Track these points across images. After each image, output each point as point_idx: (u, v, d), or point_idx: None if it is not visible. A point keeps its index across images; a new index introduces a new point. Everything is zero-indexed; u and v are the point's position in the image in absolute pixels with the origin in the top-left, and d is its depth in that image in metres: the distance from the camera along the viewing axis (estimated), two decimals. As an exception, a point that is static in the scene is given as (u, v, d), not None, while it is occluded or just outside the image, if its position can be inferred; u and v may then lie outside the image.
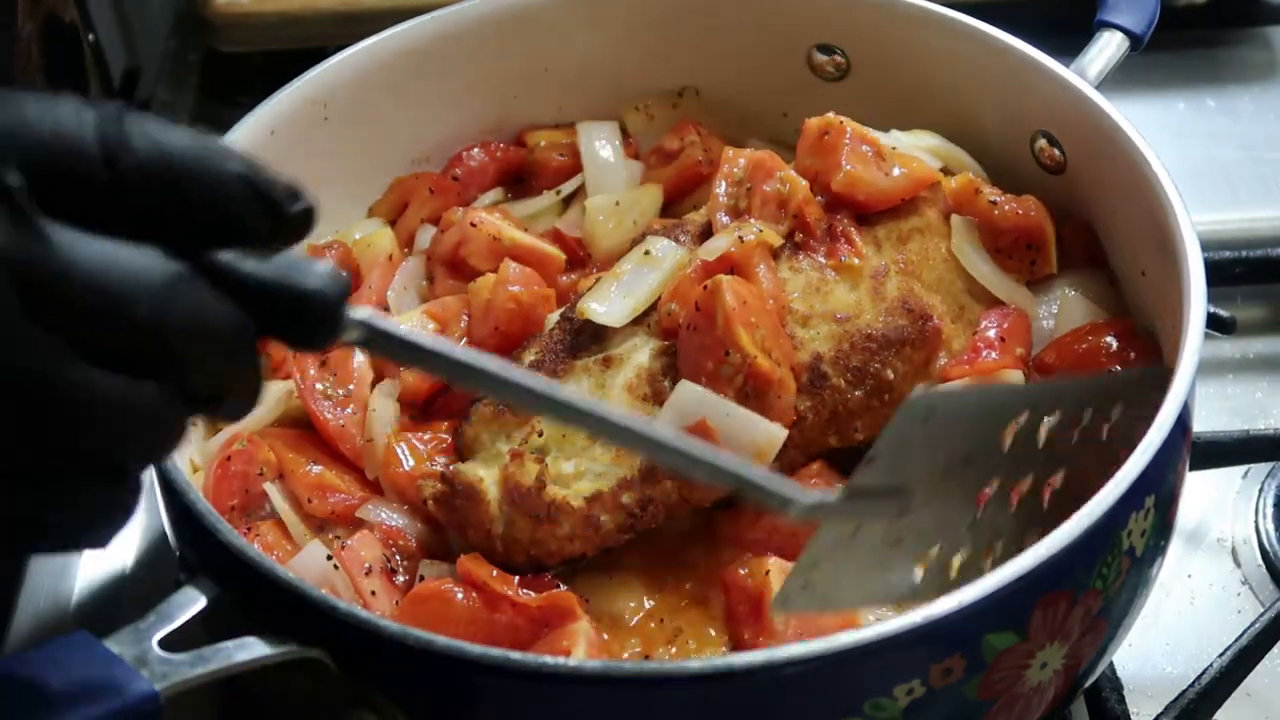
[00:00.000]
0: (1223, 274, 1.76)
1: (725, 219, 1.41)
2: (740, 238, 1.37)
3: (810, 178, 1.44)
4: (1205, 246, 1.34)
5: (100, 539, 0.92)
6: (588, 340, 1.38)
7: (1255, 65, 2.15)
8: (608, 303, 1.37)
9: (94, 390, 0.85)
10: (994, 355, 1.39)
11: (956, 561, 1.22)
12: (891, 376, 1.36)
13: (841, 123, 1.46)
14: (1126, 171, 1.42)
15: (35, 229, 0.82)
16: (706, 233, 1.42)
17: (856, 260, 1.38)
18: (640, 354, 1.36)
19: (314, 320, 0.91)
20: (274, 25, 2.09)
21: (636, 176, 1.67)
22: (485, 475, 1.32)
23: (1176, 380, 1.23)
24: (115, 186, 0.86)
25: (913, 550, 1.19)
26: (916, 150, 1.53)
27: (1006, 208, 1.47)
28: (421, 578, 1.33)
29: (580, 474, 1.31)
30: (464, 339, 1.47)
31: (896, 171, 1.44)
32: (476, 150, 1.71)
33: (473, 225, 1.54)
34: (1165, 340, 1.39)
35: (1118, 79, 1.56)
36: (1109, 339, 1.42)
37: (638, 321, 1.37)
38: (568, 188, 1.67)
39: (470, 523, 1.32)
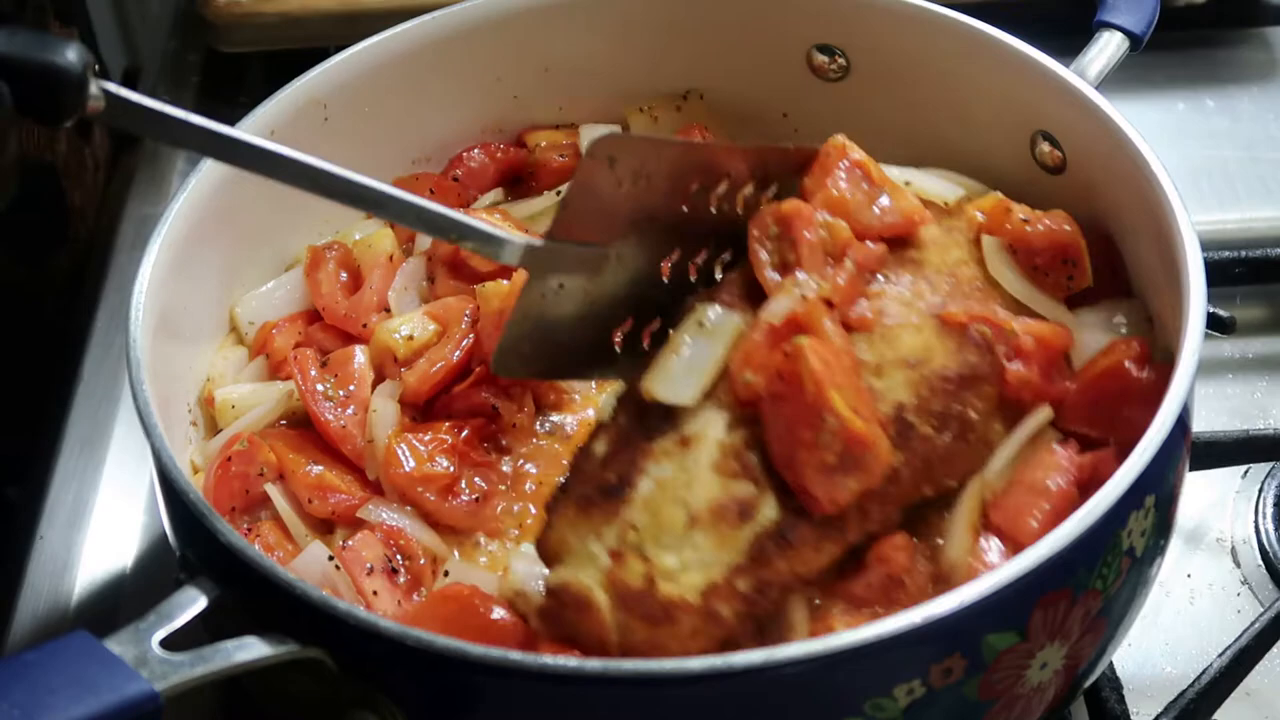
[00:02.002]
0: (1223, 274, 1.76)
1: (775, 276, 1.34)
2: (802, 296, 1.30)
3: (807, 197, 1.41)
4: (1205, 246, 1.34)
5: None
6: (657, 421, 1.29)
7: (1255, 65, 2.15)
8: (674, 382, 1.30)
9: None
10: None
11: (647, 333, 1.40)
12: (974, 416, 1.31)
13: (844, 146, 1.43)
14: (1126, 171, 1.42)
15: None
16: (750, 289, 1.36)
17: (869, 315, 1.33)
18: (715, 428, 1.27)
19: (60, 90, 1.01)
20: (274, 25, 2.09)
21: None
22: (589, 581, 1.23)
23: (1176, 380, 1.23)
24: None
25: (611, 318, 1.38)
26: (931, 187, 1.49)
27: (1040, 225, 1.43)
28: (446, 573, 1.34)
29: (686, 565, 1.22)
30: (465, 340, 1.47)
31: (885, 202, 1.40)
32: (477, 151, 1.71)
33: None
34: (1165, 340, 1.39)
35: (1118, 79, 1.56)
36: (1128, 363, 1.37)
37: (705, 394, 1.30)
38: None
39: (581, 634, 1.23)
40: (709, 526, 1.23)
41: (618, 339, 1.40)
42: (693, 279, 1.41)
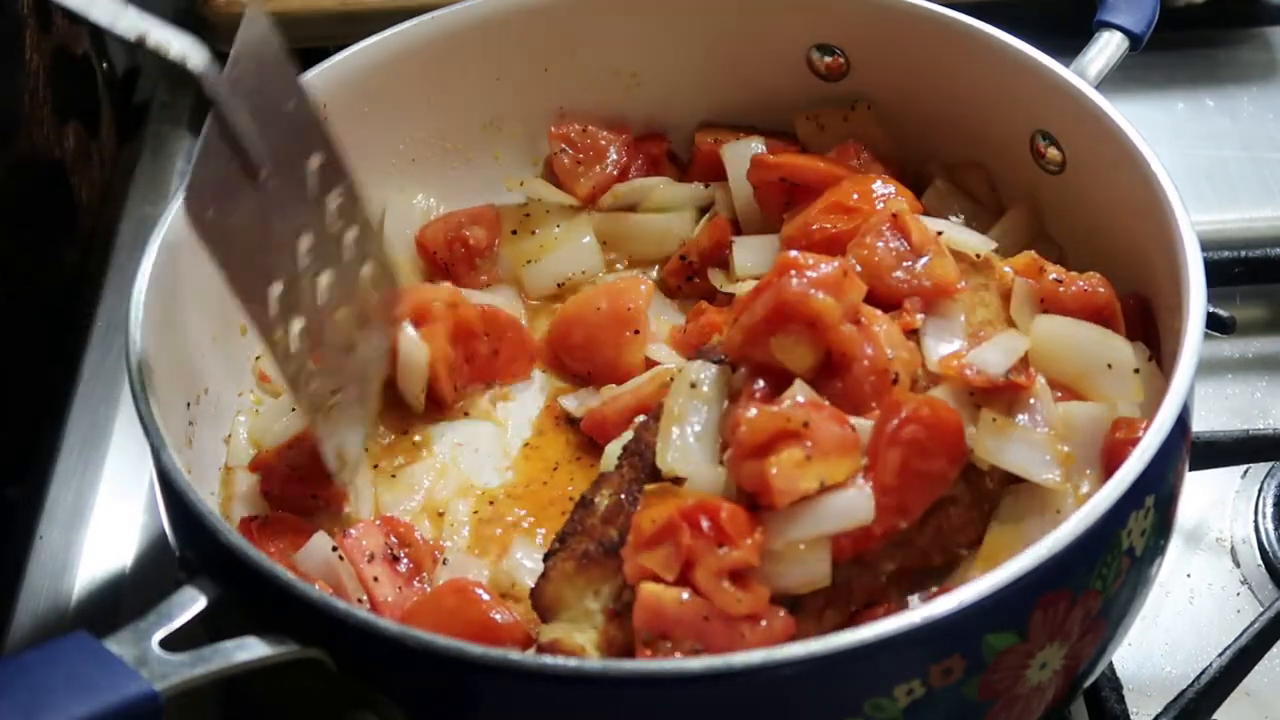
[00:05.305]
0: (1222, 274, 1.76)
1: None
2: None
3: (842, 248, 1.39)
4: (1205, 246, 1.34)
5: None
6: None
7: (1255, 65, 2.15)
8: (690, 454, 1.28)
9: None
10: None
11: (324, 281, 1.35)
12: (990, 485, 1.30)
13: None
14: (1126, 171, 1.42)
15: None
16: None
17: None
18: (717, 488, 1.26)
19: None
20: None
21: None
22: (583, 640, 1.22)
23: (1176, 380, 1.23)
24: None
25: (284, 243, 1.30)
26: (962, 239, 1.44)
27: (1074, 287, 1.40)
28: (445, 560, 1.34)
29: None
30: None
31: (920, 266, 1.36)
32: None
33: None
34: (1165, 340, 1.40)
35: (1118, 79, 1.56)
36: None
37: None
38: None
39: None
40: None
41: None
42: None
